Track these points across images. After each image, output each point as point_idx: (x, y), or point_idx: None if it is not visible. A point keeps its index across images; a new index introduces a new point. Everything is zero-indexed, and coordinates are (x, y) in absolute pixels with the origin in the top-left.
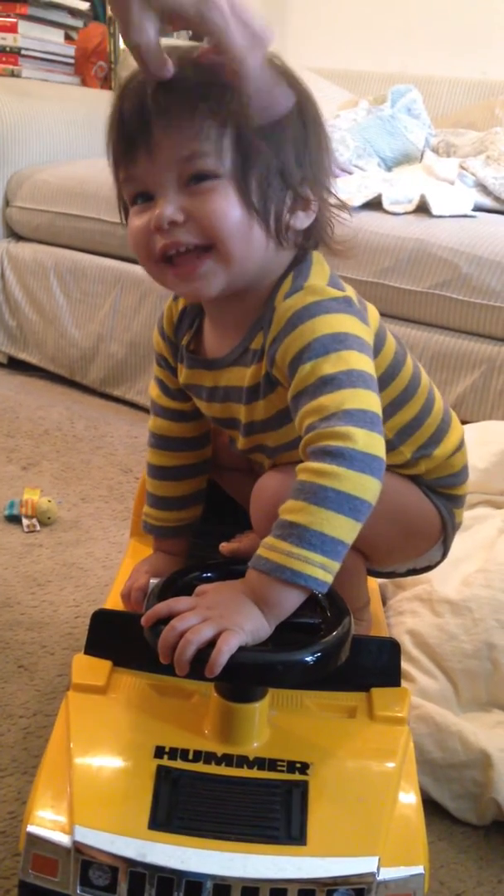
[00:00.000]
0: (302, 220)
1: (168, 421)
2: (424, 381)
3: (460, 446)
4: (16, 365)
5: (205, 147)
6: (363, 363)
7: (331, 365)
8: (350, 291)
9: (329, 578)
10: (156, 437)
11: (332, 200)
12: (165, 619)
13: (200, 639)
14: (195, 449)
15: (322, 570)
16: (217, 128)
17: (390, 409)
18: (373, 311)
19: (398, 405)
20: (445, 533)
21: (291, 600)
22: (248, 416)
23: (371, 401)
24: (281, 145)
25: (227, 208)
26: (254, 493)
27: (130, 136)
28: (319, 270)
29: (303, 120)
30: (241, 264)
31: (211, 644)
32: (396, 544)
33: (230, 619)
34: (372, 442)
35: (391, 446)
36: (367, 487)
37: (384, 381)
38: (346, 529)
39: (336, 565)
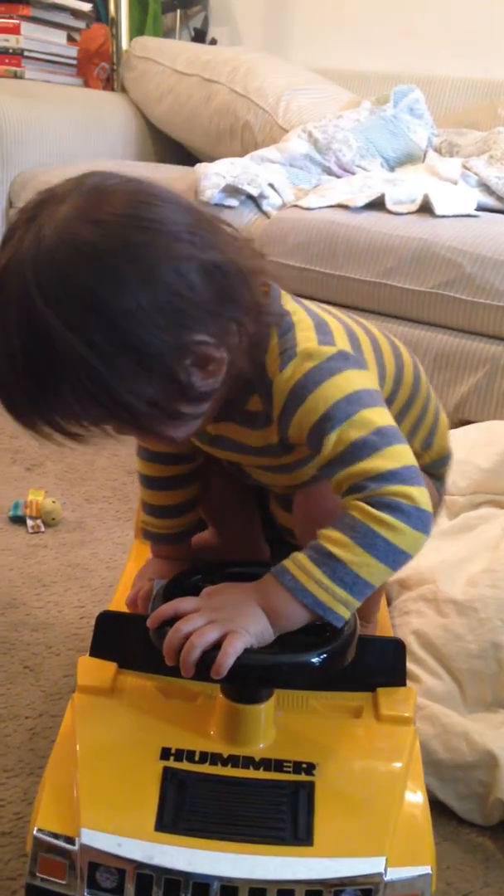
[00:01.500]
0: (217, 369)
1: None
2: (422, 375)
3: (446, 432)
4: None
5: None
6: (384, 417)
7: (357, 429)
8: (340, 339)
9: (347, 615)
10: (146, 450)
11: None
12: (171, 621)
13: (205, 641)
14: (187, 462)
15: (343, 607)
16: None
17: (402, 413)
18: (363, 337)
19: (408, 406)
20: (436, 512)
21: (301, 619)
22: (257, 462)
23: (409, 455)
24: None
25: (151, 440)
26: (297, 504)
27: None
28: (304, 328)
29: (142, 287)
30: (197, 431)
31: (216, 646)
32: None
33: (235, 622)
34: (425, 497)
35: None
36: (417, 544)
37: (394, 389)
38: (380, 577)
39: (358, 604)
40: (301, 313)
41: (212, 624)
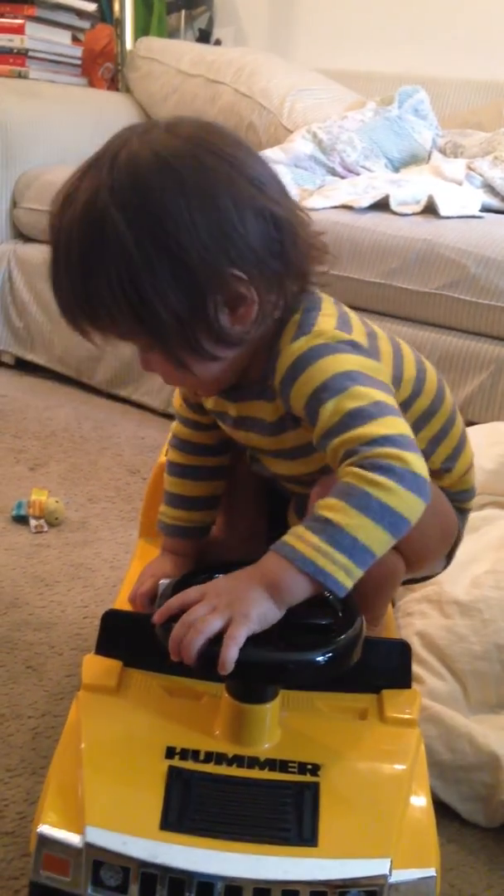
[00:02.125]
0: (246, 315)
1: (190, 429)
2: (448, 395)
3: (471, 465)
4: (23, 366)
5: (116, 337)
6: (382, 395)
7: (352, 400)
8: (357, 333)
9: (349, 583)
10: (177, 439)
11: (276, 264)
12: (178, 618)
13: (208, 630)
14: (216, 455)
15: (344, 573)
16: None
17: (421, 422)
18: (384, 343)
19: (428, 416)
20: (455, 545)
21: (304, 590)
22: (275, 444)
23: (405, 426)
24: (173, 284)
25: (165, 372)
26: (315, 494)
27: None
28: (327, 314)
29: (181, 209)
30: (218, 381)
31: (220, 639)
32: (433, 548)
33: (236, 607)
34: (420, 463)
35: (425, 454)
36: (413, 507)
37: (410, 399)
38: (379, 541)
39: (360, 572)
40: (329, 302)
41: (215, 612)
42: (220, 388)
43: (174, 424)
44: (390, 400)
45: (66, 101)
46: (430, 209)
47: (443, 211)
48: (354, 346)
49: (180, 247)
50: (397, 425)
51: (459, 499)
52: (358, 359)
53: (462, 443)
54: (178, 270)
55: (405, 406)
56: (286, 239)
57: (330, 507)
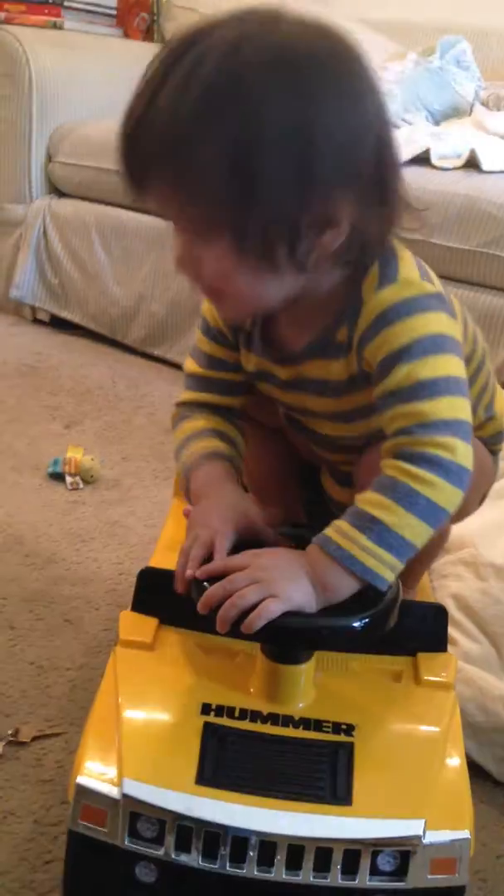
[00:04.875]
0: (330, 242)
1: (209, 393)
2: (482, 344)
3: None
4: (58, 323)
5: (190, 202)
6: (458, 368)
7: (429, 369)
8: (437, 283)
9: (392, 579)
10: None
11: (380, 195)
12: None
13: (244, 603)
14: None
15: (390, 571)
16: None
17: (473, 377)
18: (451, 296)
19: (476, 374)
20: (491, 487)
21: (350, 588)
22: (334, 406)
23: (467, 410)
24: (275, 176)
25: (209, 274)
26: (362, 466)
27: (133, 182)
28: (407, 264)
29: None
30: (261, 303)
31: (255, 606)
32: (472, 499)
33: (279, 586)
34: (469, 454)
35: (472, 409)
36: (454, 500)
37: (468, 358)
38: (423, 536)
39: (402, 567)
40: (404, 249)
41: (255, 585)
42: (250, 314)
43: (187, 363)
44: (463, 374)
45: (100, 53)
46: (471, 163)
47: (485, 165)
48: (441, 301)
49: (315, 138)
50: (459, 409)
51: (494, 441)
52: (444, 318)
53: (495, 388)
54: (302, 162)
55: None
56: (391, 173)
57: (375, 504)
